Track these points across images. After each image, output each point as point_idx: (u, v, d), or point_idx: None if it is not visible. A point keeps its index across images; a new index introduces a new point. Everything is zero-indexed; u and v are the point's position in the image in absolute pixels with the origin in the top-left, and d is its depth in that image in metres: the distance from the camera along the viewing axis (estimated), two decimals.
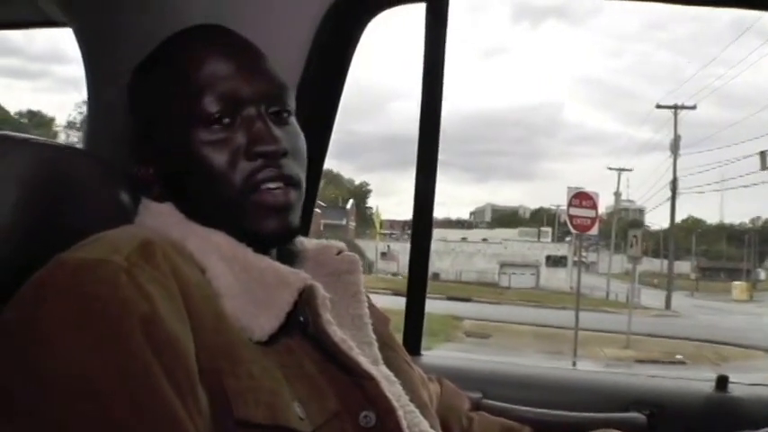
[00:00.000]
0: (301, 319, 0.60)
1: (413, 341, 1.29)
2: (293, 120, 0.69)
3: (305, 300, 0.61)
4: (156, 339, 0.49)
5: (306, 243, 0.74)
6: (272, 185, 0.64)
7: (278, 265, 0.63)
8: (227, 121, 0.64)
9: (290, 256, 0.70)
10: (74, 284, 0.51)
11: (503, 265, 23.70)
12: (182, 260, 0.58)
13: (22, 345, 0.49)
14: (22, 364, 0.48)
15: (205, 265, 0.61)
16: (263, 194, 0.64)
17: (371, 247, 22.08)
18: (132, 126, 0.71)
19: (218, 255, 0.62)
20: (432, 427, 0.67)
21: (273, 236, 0.65)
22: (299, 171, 0.67)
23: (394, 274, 20.53)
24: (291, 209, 0.65)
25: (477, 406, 0.96)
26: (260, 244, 0.65)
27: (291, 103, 0.69)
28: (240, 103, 0.65)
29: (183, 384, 0.50)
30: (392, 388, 0.63)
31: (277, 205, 0.64)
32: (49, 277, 0.52)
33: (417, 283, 1.32)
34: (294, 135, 0.67)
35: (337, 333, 0.61)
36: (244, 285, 0.60)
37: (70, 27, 1.05)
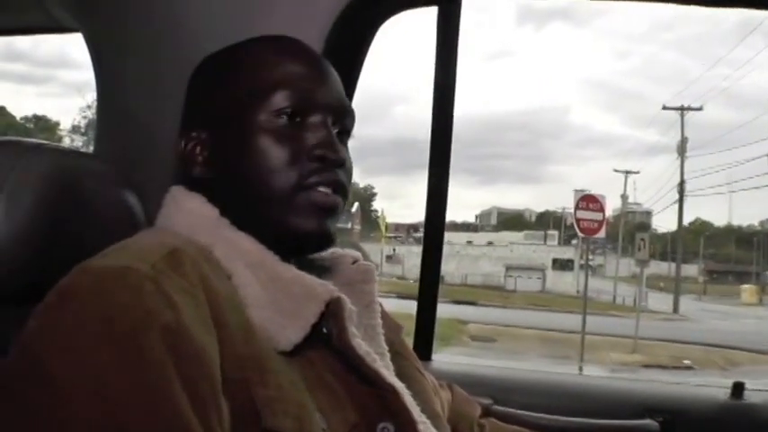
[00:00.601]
0: (324, 330, 0.60)
1: (423, 346, 1.28)
2: (347, 144, 0.70)
3: (331, 312, 0.60)
4: (178, 350, 0.49)
5: (322, 252, 0.73)
6: (323, 189, 0.64)
7: (304, 275, 0.62)
8: (295, 119, 0.65)
9: (308, 266, 0.70)
10: (98, 291, 0.50)
11: (509, 268, 23.62)
12: (209, 268, 0.57)
13: (41, 348, 0.49)
14: (38, 367, 0.48)
15: (232, 271, 0.60)
16: (313, 194, 0.64)
17: (376, 251, 22.06)
18: (188, 100, 0.70)
19: (244, 262, 0.61)
20: None
21: (311, 236, 0.65)
22: (348, 185, 0.68)
23: (399, 278, 20.51)
24: (335, 213, 0.66)
25: (487, 412, 0.95)
26: (292, 247, 0.65)
27: (352, 129, 0.70)
28: (311, 106, 0.66)
29: (207, 396, 0.49)
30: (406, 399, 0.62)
31: (325, 205, 0.64)
32: (73, 284, 0.52)
33: (429, 288, 1.31)
34: (348, 155, 0.69)
35: (362, 346, 0.60)
36: (270, 296, 0.60)
37: (80, 32, 1.06)
